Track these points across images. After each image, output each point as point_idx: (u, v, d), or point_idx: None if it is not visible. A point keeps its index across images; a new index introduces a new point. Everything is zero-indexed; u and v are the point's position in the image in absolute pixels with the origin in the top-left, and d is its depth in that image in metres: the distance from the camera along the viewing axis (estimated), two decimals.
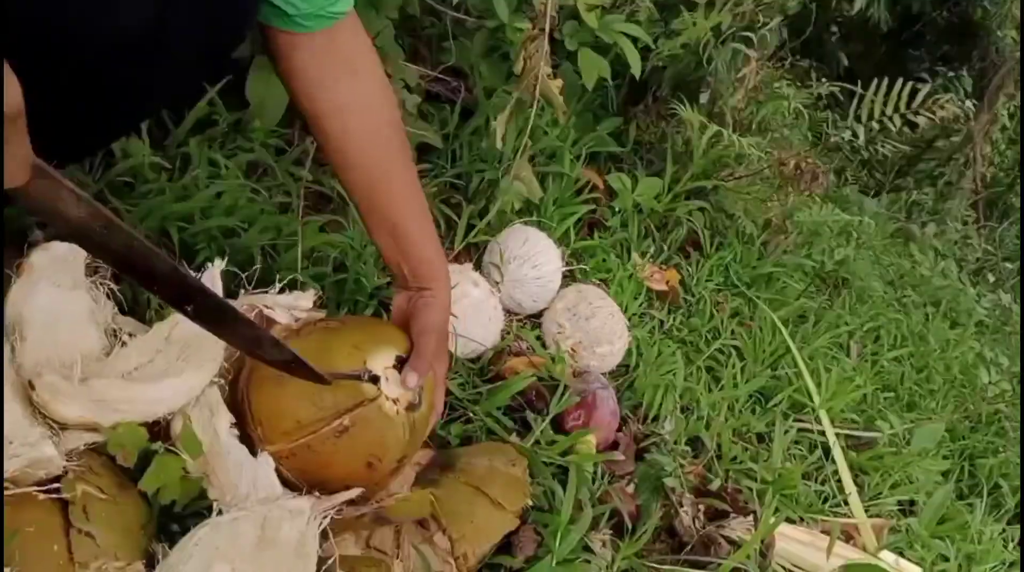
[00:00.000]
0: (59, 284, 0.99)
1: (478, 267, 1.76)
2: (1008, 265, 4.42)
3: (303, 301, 1.11)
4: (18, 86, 0.63)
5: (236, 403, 1.04)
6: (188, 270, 0.90)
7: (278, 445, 1.03)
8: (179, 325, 1.02)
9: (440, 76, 1.97)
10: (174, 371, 1.00)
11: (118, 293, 1.09)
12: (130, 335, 1.05)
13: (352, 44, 1.12)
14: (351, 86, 1.12)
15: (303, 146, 1.62)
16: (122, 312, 1.08)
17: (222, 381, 1.06)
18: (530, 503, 1.22)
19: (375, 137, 1.14)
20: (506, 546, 1.21)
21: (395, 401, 1.06)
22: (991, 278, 4.28)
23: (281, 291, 1.13)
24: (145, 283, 0.89)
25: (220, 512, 0.92)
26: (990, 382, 2.90)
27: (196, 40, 0.91)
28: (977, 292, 3.75)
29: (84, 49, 0.79)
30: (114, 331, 1.05)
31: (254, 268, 1.21)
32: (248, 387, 1.04)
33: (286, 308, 1.10)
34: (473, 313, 1.54)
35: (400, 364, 1.08)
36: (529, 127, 1.72)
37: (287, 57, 1.09)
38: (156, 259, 0.83)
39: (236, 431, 1.01)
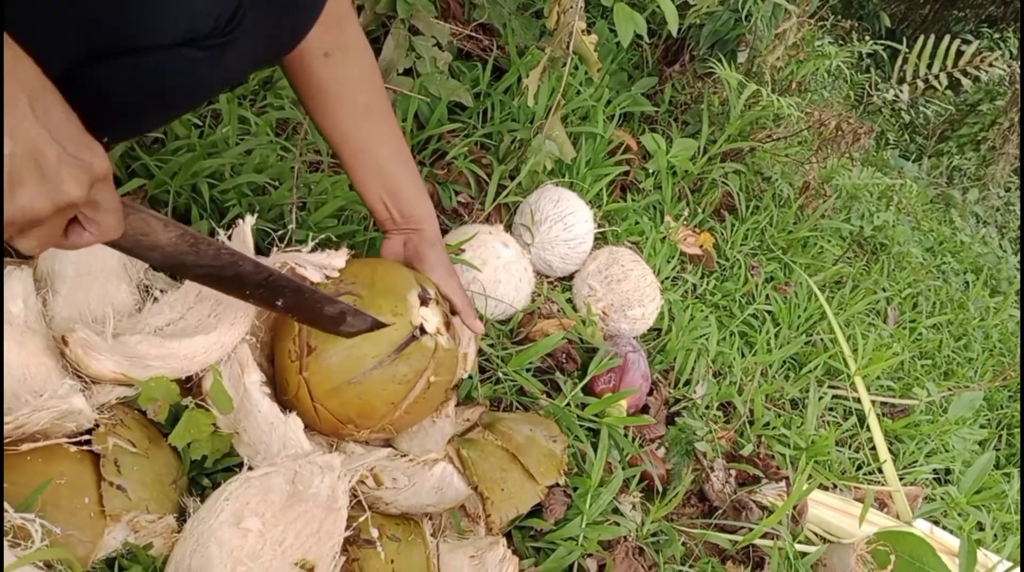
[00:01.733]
0: None
1: (508, 228, 1.73)
2: None
3: (336, 260, 1.09)
4: (102, 149, 0.65)
5: (302, 411, 1.04)
6: (273, 267, 0.92)
7: (379, 427, 1.06)
8: None
9: (472, 34, 1.93)
10: (205, 328, 1.00)
11: None
12: (161, 291, 1.04)
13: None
14: (339, 33, 1.08)
15: None
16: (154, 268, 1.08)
17: (253, 339, 1.06)
18: (562, 481, 1.21)
19: (362, 77, 1.11)
20: (536, 508, 1.21)
21: (439, 331, 1.08)
22: None
23: (313, 249, 1.12)
24: (237, 292, 0.91)
25: (250, 468, 0.92)
26: None
27: (264, 37, 0.88)
28: (1019, 259, 3.67)
29: (150, 49, 0.76)
30: (146, 287, 1.05)
31: (288, 227, 1.20)
32: (321, 401, 1.03)
33: (318, 266, 1.09)
34: (503, 274, 1.52)
35: (421, 297, 1.09)
36: (562, 85, 1.68)
37: None
38: (243, 262, 0.87)
39: (267, 389, 1.01)
